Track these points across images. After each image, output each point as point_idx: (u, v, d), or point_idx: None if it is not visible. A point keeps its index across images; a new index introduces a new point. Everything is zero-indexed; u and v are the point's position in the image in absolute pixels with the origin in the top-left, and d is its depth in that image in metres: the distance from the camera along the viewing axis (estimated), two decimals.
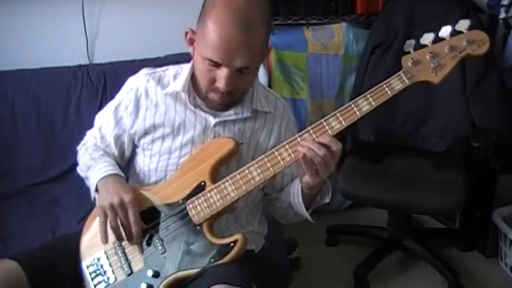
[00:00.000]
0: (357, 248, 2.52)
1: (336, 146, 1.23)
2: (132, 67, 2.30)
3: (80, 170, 1.51)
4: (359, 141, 2.54)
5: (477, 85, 2.33)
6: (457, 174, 2.20)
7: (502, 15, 2.37)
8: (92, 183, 1.39)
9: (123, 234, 1.31)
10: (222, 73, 1.27)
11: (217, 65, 1.27)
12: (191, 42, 1.36)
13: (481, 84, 2.32)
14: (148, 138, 1.43)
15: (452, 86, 2.36)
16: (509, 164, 2.34)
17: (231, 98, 1.36)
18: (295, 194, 1.41)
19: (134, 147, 1.49)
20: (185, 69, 1.43)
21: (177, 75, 1.44)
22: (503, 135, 2.27)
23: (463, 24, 1.27)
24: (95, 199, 1.40)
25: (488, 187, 2.39)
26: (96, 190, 1.37)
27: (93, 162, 1.42)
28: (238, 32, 1.22)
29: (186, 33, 1.36)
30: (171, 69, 1.47)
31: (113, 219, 1.30)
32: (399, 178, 2.26)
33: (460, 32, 1.27)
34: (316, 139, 1.26)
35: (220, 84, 1.28)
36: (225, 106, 1.39)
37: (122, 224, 1.30)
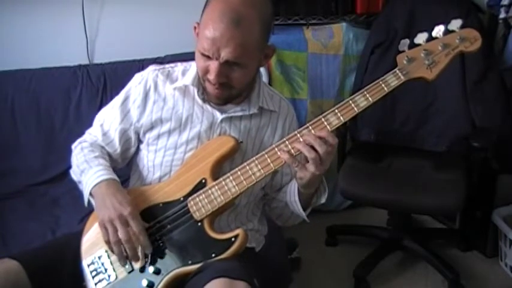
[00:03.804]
0: (357, 248, 2.52)
1: (333, 140, 1.25)
2: (132, 67, 2.32)
3: (73, 173, 1.49)
4: (359, 142, 2.54)
5: (477, 85, 2.33)
6: (457, 174, 2.19)
7: (502, 15, 2.38)
8: (85, 189, 1.38)
9: (127, 249, 1.30)
10: (213, 65, 1.29)
11: (208, 57, 1.29)
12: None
13: (481, 84, 2.33)
14: (154, 132, 1.44)
15: (452, 86, 2.37)
16: (509, 164, 2.34)
17: (228, 92, 1.36)
18: (291, 192, 1.42)
19: (138, 143, 1.49)
20: (194, 65, 1.43)
21: (186, 71, 1.46)
22: (503, 135, 2.28)
23: (455, 24, 1.30)
24: (89, 204, 1.39)
25: (488, 187, 2.39)
26: (91, 195, 1.37)
27: (86, 166, 1.41)
28: (226, 25, 1.24)
29: (195, 28, 1.37)
30: (179, 66, 1.49)
31: (114, 235, 1.29)
32: (399, 178, 2.26)
33: (453, 31, 1.30)
34: (314, 134, 1.27)
35: (211, 76, 1.30)
36: (224, 100, 1.39)
37: (124, 241, 1.29)
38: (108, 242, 1.30)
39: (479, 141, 2.15)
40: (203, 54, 1.30)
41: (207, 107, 1.42)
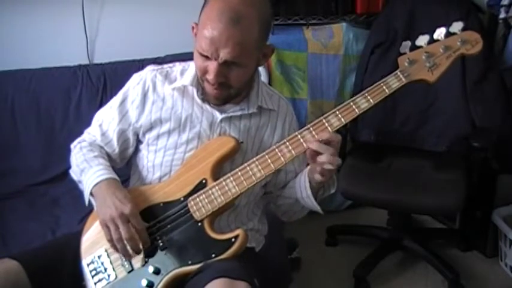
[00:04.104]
0: (357, 248, 2.52)
1: (336, 139, 1.27)
2: (132, 67, 2.31)
3: (73, 173, 1.49)
4: (359, 142, 2.54)
5: (477, 85, 2.33)
6: (457, 174, 2.19)
7: (502, 15, 2.38)
8: (86, 189, 1.39)
9: (128, 247, 1.30)
10: (212, 65, 1.29)
11: (206, 57, 1.29)
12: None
13: (481, 84, 2.33)
14: (153, 133, 1.44)
15: (452, 86, 2.37)
16: (509, 164, 2.34)
17: (226, 91, 1.36)
18: (302, 188, 1.41)
19: (138, 143, 1.49)
20: (192, 65, 1.43)
21: (184, 71, 1.46)
22: (503, 135, 2.28)
23: (456, 26, 1.31)
24: (90, 203, 1.40)
25: (488, 187, 2.40)
26: (92, 194, 1.37)
27: (86, 165, 1.41)
28: (225, 25, 1.24)
29: (193, 28, 1.36)
30: (177, 66, 1.48)
31: (116, 232, 1.29)
32: (399, 178, 2.26)
33: (454, 34, 1.31)
34: (316, 136, 1.28)
35: (210, 76, 1.30)
36: (222, 100, 1.39)
37: (126, 239, 1.29)
38: (110, 241, 1.30)
39: (479, 141, 2.15)
40: (202, 55, 1.29)
41: (207, 106, 1.42)
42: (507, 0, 2.34)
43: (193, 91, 1.42)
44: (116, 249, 1.31)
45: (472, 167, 2.22)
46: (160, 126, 1.43)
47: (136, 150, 1.50)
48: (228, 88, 1.35)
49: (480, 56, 2.25)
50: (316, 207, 1.42)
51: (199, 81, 1.40)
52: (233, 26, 1.24)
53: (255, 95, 1.44)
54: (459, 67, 2.33)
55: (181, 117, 1.42)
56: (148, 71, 1.47)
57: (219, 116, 1.41)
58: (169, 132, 1.42)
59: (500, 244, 2.39)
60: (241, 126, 1.43)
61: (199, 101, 1.42)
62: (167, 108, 1.43)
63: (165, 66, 1.49)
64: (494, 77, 2.33)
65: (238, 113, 1.42)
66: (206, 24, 1.26)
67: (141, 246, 1.31)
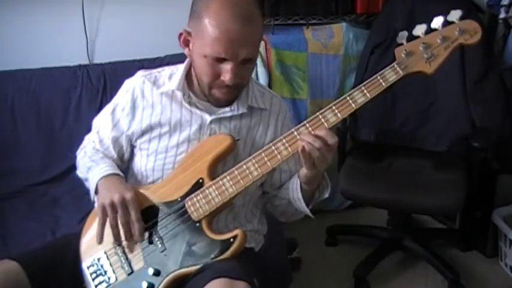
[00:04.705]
0: (356, 248, 2.52)
1: (332, 139, 1.23)
2: (132, 67, 2.31)
3: (80, 173, 1.51)
4: (359, 142, 2.54)
5: (477, 85, 2.33)
6: (457, 174, 2.19)
7: (502, 15, 2.38)
8: (92, 183, 1.39)
9: (122, 234, 1.31)
10: (228, 67, 1.28)
11: (221, 60, 1.28)
12: (186, 43, 1.36)
13: (481, 84, 2.32)
14: (145, 138, 1.44)
15: (452, 86, 2.37)
16: (509, 164, 2.34)
17: (236, 92, 1.37)
18: (294, 189, 1.41)
19: (132, 148, 1.50)
20: (180, 69, 1.44)
21: (172, 75, 1.46)
22: (503, 135, 2.28)
23: (454, 15, 1.27)
24: (94, 201, 1.40)
25: (488, 187, 2.39)
26: (96, 191, 1.38)
27: (93, 164, 1.43)
28: (240, 26, 1.24)
29: (181, 35, 1.36)
30: (166, 70, 1.49)
31: (113, 218, 1.29)
32: (399, 178, 2.26)
33: (452, 23, 1.27)
34: (312, 132, 1.27)
35: (226, 78, 1.30)
36: (230, 102, 1.40)
37: (122, 224, 1.30)
38: (102, 224, 1.30)
39: (479, 141, 2.14)
40: (216, 59, 1.28)
41: (195, 110, 1.42)
42: (507, 0, 2.34)
43: (180, 95, 1.42)
44: (114, 231, 1.30)
45: (472, 167, 2.22)
46: (151, 131, 1.43)
47: (132, 155, 1.51)
48: (237, 88, 1.35)
49: (480, 55, 2.28)
50: (306, 211, 1.42)
51: (186, 85, 1.41)
52: (249, 24, 1.26)
53: (245, 95, 1.43)
54: (459, 66, 2.33)
55: (171, 122, 1.42)
56: (138, 77, 1.48)
57: (208, 118, 1.41)
58: (160, 136, 1.43)
59: (500, 244, 2.39)
60: (232, 127, 1.43)
61: (187, 105, 1.42)
62: (157, 114, 1.43)
63: (154, 71, 1.49)
64: (494, 77, 2.32)
65: (228, 114, 1.42)
66: (218, 28, 1.25)
67: (133, 232, 1.30)
